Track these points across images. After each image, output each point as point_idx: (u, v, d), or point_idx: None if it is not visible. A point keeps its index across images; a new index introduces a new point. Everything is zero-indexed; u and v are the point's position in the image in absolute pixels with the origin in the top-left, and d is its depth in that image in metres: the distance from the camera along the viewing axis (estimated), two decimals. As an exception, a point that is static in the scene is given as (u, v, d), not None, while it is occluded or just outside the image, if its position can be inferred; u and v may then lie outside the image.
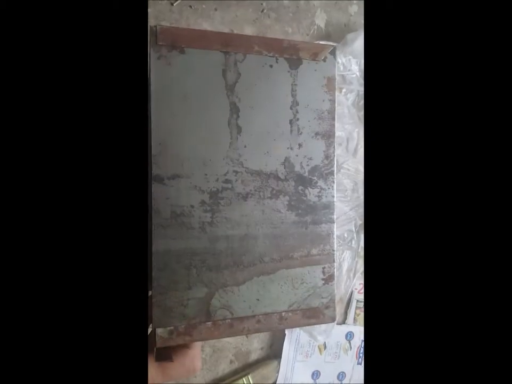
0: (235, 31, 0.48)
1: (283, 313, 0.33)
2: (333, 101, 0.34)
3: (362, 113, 0.55)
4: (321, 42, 0.49)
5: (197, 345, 0.31)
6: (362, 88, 0.53)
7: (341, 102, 0.52)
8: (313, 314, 0.34)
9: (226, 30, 0.47)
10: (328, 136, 0.35)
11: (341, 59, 0.50)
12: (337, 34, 0.52)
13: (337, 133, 0.52)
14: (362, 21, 0.56)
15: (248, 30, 0.48)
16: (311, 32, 0.51)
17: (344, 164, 0.52)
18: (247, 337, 0.46)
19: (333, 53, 0.34)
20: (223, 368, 0.46)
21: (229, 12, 0.48)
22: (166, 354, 0.30)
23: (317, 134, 0.34)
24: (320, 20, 0.51)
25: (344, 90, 0.52)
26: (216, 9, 0.47)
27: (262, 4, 0.49)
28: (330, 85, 0.34)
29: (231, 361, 0.46)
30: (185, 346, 0.31)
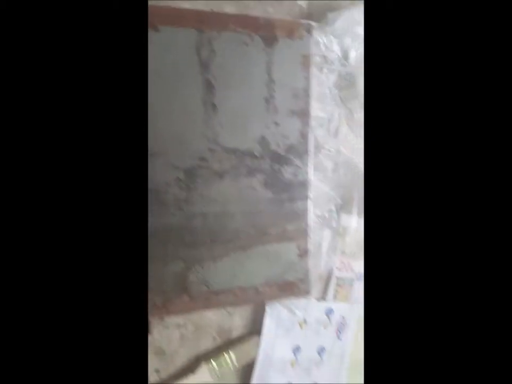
0: (214, 10, 0.47)
1: (259, 287, 0.34)
2: (308, 79, 0.35)
3: (343, 93, 0.55)
4: (301, 21, 0.48)
5: None
6: (343, 69, 0.54)
7: (322, 83, 0.52)
8: (288, 288, 0.35)
9: (205, 9, 0.47)
10: (304, 114, 0.35)
11: (321, 39, 0.50)
12: (318, 14, 0.52)
13: (319, 114, 0.52)
14: (344, 2, 0.56)
15: (228, 10, 0.48)
16: (293, 12, 0.50)
17: (325, 145, 0.52)
18: (229, 314, 0.47)
19: (309, 30, 0.34)
20: (206, 344, 0.47)
21: (209, -10, 0.47)
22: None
23: (293, 112, 0.34)
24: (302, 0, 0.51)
25: (325, 70, 0.53)
26: (196, -13, 0.46)
27: (243, -18, 0.49)
28: (306, 63, 0.35)
29: (213, 338, 0.47)
30: None
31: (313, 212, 0.51)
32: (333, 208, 0.53)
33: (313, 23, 0.39)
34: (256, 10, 0.50)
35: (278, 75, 0.33)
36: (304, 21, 0.35)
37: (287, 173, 0.34)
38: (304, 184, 0.35)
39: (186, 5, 0.47)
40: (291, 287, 0.35)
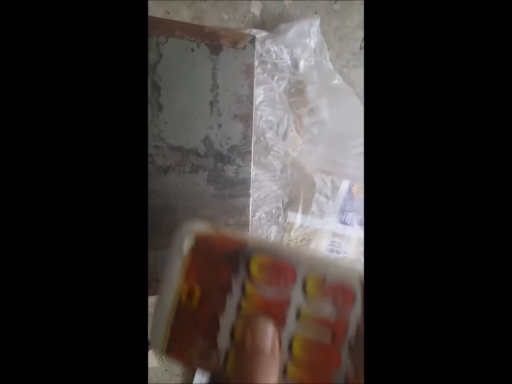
0: (171, 13, 0.49)
1: (199, 276, 0.36)
2: (251, 87, 0.38)
3: (293, 100, 0.59)
4: (253, 30, 0.52)
5: None
6: (293, 77, 0.57)
7: (272, 89, 0.55)
8: (227, 277, 0.38)
9: (162, 11, 0.49)
10: (246, 118, 0.38)
11: (273, 47, 0.53)
12: (271, 23, 0.55)
13: (268, 118, 0.56)
14: (297, 12, 0.60)
15: (184, 12, 0.50)
16: (246, 19, 0.53)
17: (274, 147, 0.56)
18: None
19: (252, 42, 0.37)
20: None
21: (167, -7, 0.50)
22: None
23: (236, 116, 0.37)
24: (256, 8, 0.54)
25: (276, 77, 0.56)
26: (153, -10, 0.48)
27: (200, -12, 0.51)
28: (249, 71, 0.38)
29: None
30: None
31: (262, 208, 0.55)
32: (280, 205, 0.57)
33: (257, 35, 0.42)
34: (211, 16, 0.53)
35: (223, 81, 0.36)
36: (247, 32, 0.38)
37: (229, 171, 0.37)
38: (245, 182, 0.38)
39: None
40: (230, 275, 0.38)
